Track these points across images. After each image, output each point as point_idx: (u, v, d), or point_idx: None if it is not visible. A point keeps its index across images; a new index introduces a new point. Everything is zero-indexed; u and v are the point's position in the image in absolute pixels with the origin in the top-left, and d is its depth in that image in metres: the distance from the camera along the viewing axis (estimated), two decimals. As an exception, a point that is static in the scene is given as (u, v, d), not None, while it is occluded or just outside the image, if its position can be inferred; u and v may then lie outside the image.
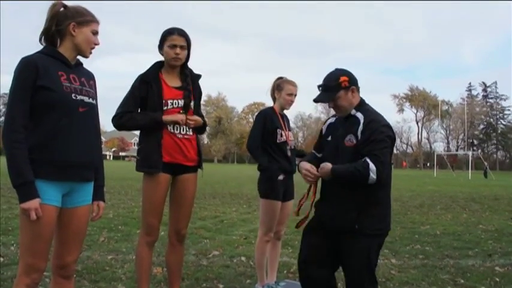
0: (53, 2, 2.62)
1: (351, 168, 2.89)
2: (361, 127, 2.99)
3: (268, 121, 4.20)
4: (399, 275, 4.98)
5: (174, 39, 3.42)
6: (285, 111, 4.43)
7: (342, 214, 2.99)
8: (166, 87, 3.45)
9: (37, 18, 2.63)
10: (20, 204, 2.38)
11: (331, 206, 3.08)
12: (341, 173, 2.95)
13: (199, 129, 3.61)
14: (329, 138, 3.23)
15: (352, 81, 3.12)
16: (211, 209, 10.34)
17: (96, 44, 2.68)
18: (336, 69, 3.16)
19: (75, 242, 2.68)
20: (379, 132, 2.95)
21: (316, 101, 3.20)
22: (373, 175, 2.83)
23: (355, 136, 3.01)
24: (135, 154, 3.56)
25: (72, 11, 2.61)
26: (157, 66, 3.52)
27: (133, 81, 3.49)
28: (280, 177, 4.13)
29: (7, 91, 2.82)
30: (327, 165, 3.00)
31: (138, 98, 3.42)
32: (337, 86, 3.08)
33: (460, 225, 9.01)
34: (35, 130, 2.47)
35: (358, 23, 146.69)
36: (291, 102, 4.32)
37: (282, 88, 4.28)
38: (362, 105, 3.14)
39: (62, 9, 2.62)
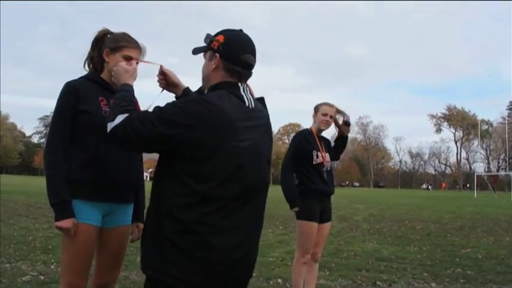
0: (100, 29, 2.71)
1: (119, 97, 2.00)
2: None
3: (303, 143, 4.22)
4: (440, 300, 4.84)
5: None
6: (324, 133, 4.45)
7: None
8: None
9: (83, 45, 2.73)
10: (54, 222, 2.46)
11: None
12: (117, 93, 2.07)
13: None
14: None
15: (226, 47, 1.98)
16: (246, 230, 10.27)
17: None
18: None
19: (115, 262, 2.72)
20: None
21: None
22: (112, 124, 1.86)
23: None
24: None
25: (111, 37, 2.67)
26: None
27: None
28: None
29: (49, 113, 2.92)
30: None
31: None
32: (208, 43, 2.04)
33: (503, 248, 8.70)
34: (75, 152, 2.54)
35: (393, 41, 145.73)
36: (326, 123, 4.32)
37: (318, 109, 4.33)
38: (219, 88, 1.99)
39: (108, 36, 2.69)
